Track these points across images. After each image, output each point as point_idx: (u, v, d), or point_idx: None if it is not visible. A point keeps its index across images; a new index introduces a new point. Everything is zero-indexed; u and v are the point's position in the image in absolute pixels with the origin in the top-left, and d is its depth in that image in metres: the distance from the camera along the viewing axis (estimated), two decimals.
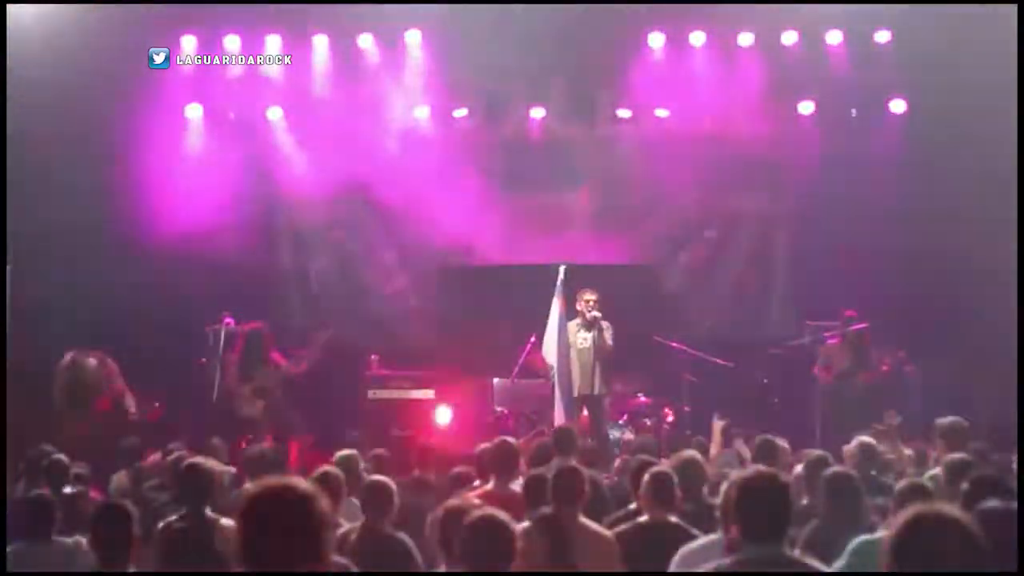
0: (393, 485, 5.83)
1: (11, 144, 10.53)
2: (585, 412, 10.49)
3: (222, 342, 11.15)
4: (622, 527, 5.56)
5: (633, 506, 5.87)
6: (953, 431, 7.46)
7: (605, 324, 10.36)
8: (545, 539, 5.18)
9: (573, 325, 10.54)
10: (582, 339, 10.44)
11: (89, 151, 11.61)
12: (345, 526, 5.73)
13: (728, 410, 9.38)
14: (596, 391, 10.40)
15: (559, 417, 10.24)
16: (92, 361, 10.24)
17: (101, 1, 11.49)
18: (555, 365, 10.35)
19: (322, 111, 12.49)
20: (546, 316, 10.62)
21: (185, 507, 5.84)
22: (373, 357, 11.72)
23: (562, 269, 10.64)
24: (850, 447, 7.12)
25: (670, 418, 11.51)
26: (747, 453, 8.08)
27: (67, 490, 6.69)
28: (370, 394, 11.47)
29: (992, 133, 11.62)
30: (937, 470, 6.57)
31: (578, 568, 5.21)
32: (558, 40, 12.41)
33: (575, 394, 10.38)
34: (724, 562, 4.16)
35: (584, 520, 5.42)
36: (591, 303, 10.36)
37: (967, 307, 12.05)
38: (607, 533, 5.45)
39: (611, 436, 10.78)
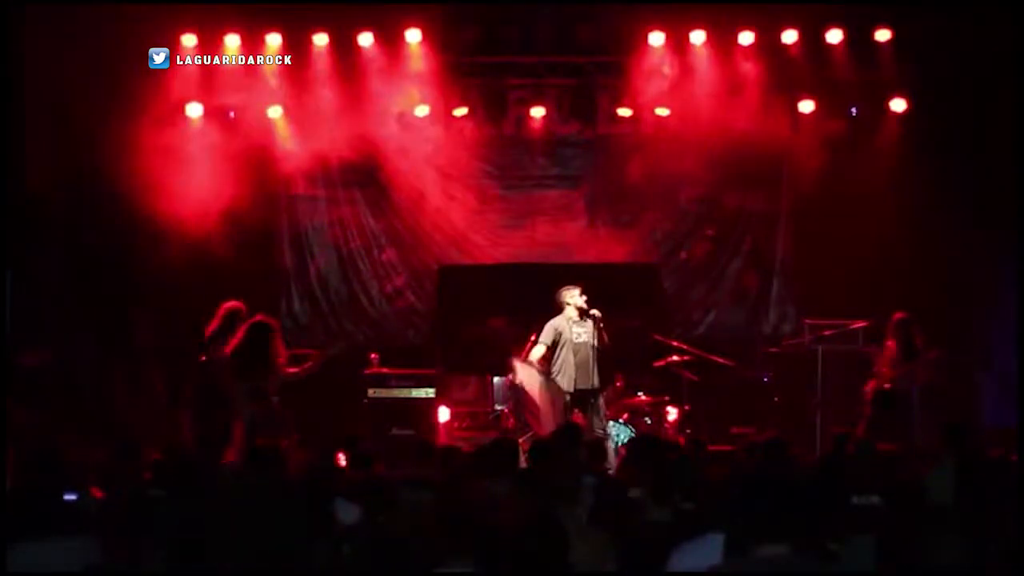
0: None
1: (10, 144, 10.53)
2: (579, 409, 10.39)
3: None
4: None
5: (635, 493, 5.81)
6: (956, 431, 7.46)
7: (598, 315, 10.25)
8: None
9: (565, 322, 10.45)
10: (577, 333, 10.36)
11: (88, 151, 11.61)
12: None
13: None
14: (594, 385, 10.32)
15: (547, 423, 10.19)
16: None
17: (101, 1, 11.48)
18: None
19: (322, 109, 12.47)
20: (546, 316, 10.56)
21: None
22: (373, 356, 11.70)
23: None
24: None
25: (671, 417, 11.50)
26: None
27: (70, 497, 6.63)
28: (370, 393, 11.46)
29: (992, 132, 11.65)
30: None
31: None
32: (559, 38, 12.46)
33: (571, 389, 10.29)
34: (725, 562, 4.13)
35: None
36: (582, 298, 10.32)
37: (968, 307, 12.06)
38: None
39: (611, 434, 10.71)
